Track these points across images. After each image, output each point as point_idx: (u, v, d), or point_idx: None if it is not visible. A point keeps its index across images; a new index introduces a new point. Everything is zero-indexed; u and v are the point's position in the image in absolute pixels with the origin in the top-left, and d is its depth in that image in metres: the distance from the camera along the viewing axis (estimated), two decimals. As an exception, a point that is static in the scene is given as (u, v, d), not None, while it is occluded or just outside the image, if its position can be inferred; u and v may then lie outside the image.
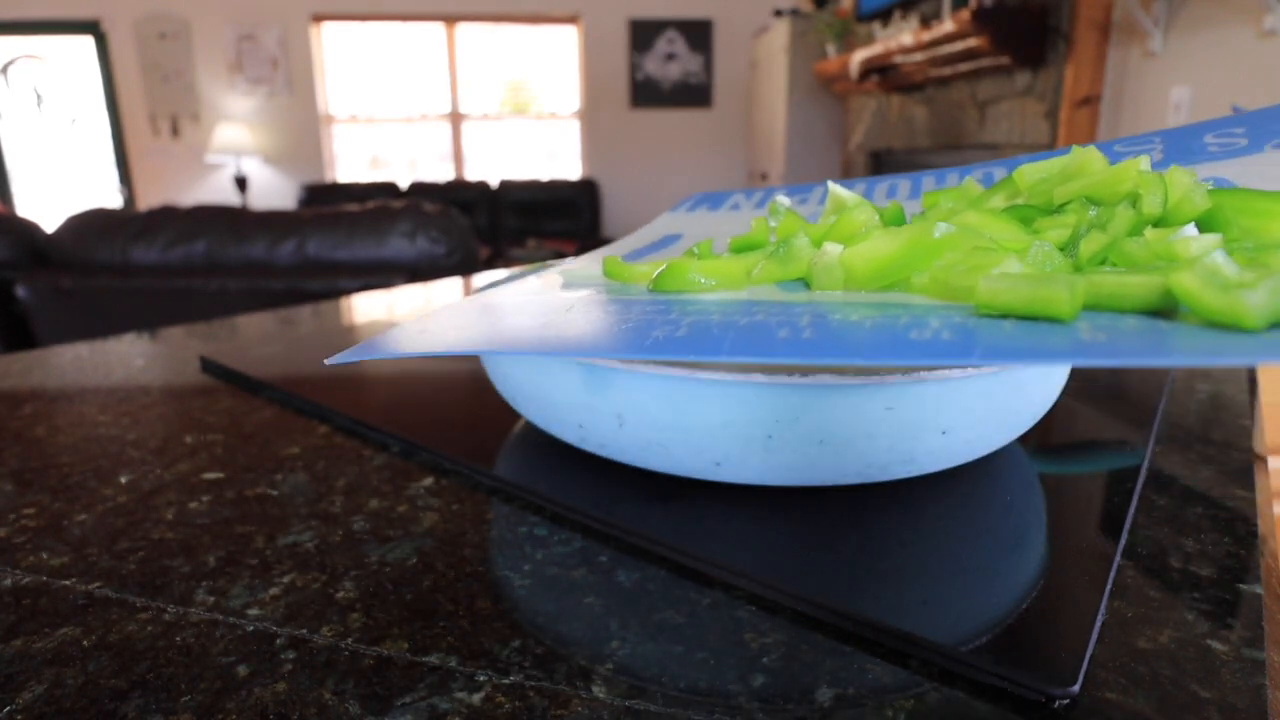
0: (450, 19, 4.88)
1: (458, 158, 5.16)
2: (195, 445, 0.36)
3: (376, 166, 5.14)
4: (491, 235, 4.79)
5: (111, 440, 0.37)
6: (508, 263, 3.71)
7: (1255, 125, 0.33)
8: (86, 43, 4.66)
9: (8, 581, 0.25)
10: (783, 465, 0.27)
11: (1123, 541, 0.25)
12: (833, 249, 0.26)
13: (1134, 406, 0.37)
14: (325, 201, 4.52)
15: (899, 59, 3.06)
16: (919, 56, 2.92)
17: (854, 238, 0.26)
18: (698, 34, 4.96)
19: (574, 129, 5.18)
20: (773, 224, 0.35)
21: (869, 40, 3.57)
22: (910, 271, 0.24)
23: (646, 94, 5.04)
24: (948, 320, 0.20)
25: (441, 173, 5.17)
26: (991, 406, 0.27)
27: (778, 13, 4.13)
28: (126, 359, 0.53)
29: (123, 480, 0.32)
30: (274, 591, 0.24)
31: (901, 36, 2.93)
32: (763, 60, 4.45)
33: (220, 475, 0.33)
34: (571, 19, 4.95)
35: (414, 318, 0.26)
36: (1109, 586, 0.22)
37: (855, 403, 0.25)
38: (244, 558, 0.26)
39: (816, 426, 0.26)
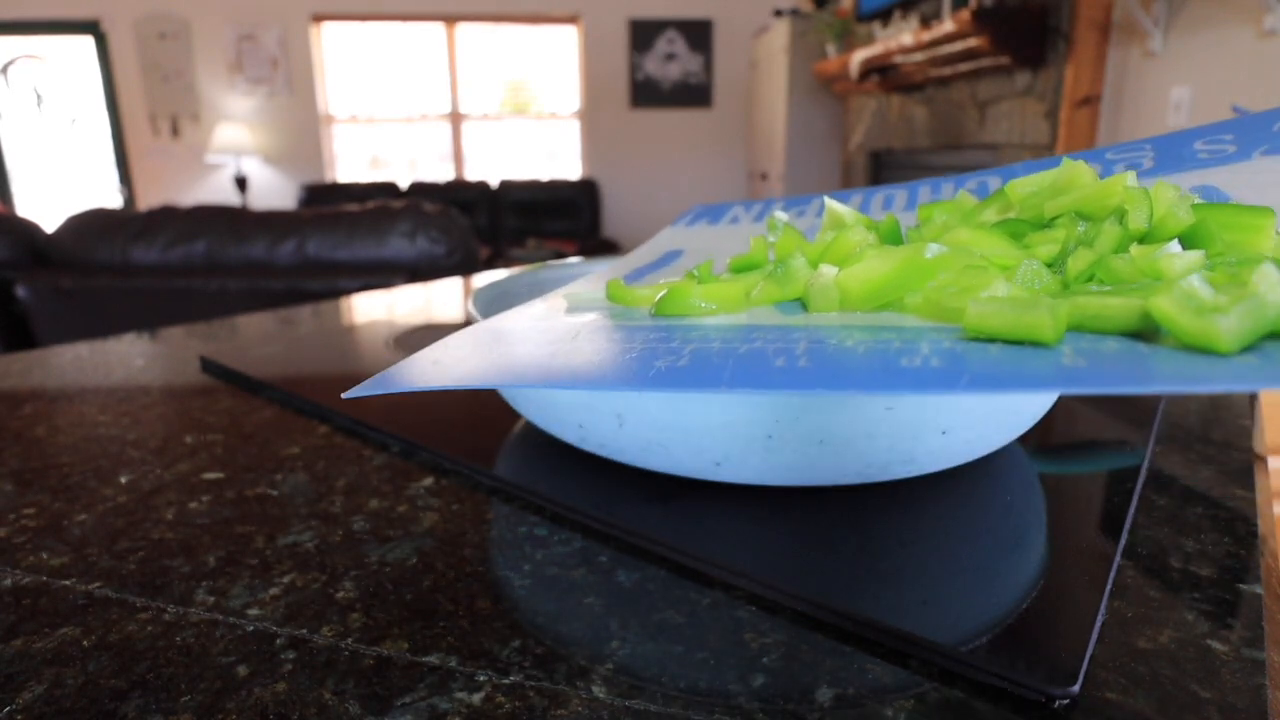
0: (450, 19, 4.89)
1: (458, 158, 5.16)
2: (195, 445, 0.36)
3: (376, 166, 5.14)
4: (491, 235, 4.79)
5: (111, 440, 0.37)
6: (508, 263, 3.71)
7: (1244, 132, 0.33)
8: (86, 43, 4.66)
9: (8, 581, 0.25)
10: (783, 465, 0.27)
11: (1123, 541, 0.25)
12: (828, 271, 0.26)
13: (1134, 406, 0.37)
14: (325, 201, 4.52)
15: (899, 59, 3.07)
16: (919, 56, 2.92)
17: (849, 258, 0.27)
18: (698, 34, 4.96)
19: (574, 129, 5.18)
20: (771, 240, 0.35)
21: (869, 40, 3.57)
22: (903, 292, 0.25)
23: (646, 94, 5.04)
24: (937, 346, 0.21)
25: (441, 173, 5.17)
26: (991, 406, 0.27)
27: (778, 13, 4.13)
28: (126, 359, 0.53)
29: (123, 480, 0.32)
30: (274, 591, 0.24)
31: (901, 36, 2.93)
32: (763, 60, 4.45)
33: (220, 475, 0.33)
34: (571, 19, 4.95)
35: (426, 349, 0.27)
36: (1109, 586, 0.22)
37: (855, 403, 0.25)
38: (244, 558, 0.26)
39: (816, 426, 0.26)
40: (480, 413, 0.38)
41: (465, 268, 1.78)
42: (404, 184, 4.72)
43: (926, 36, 2.73)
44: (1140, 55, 2.24)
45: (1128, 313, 0.20)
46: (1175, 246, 0.23)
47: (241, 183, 4.79)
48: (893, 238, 0.30)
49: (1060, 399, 0.38)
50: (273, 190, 4.97)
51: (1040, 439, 0.33)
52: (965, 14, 2.46)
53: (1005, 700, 0.19)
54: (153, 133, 4.78)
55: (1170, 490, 0.30)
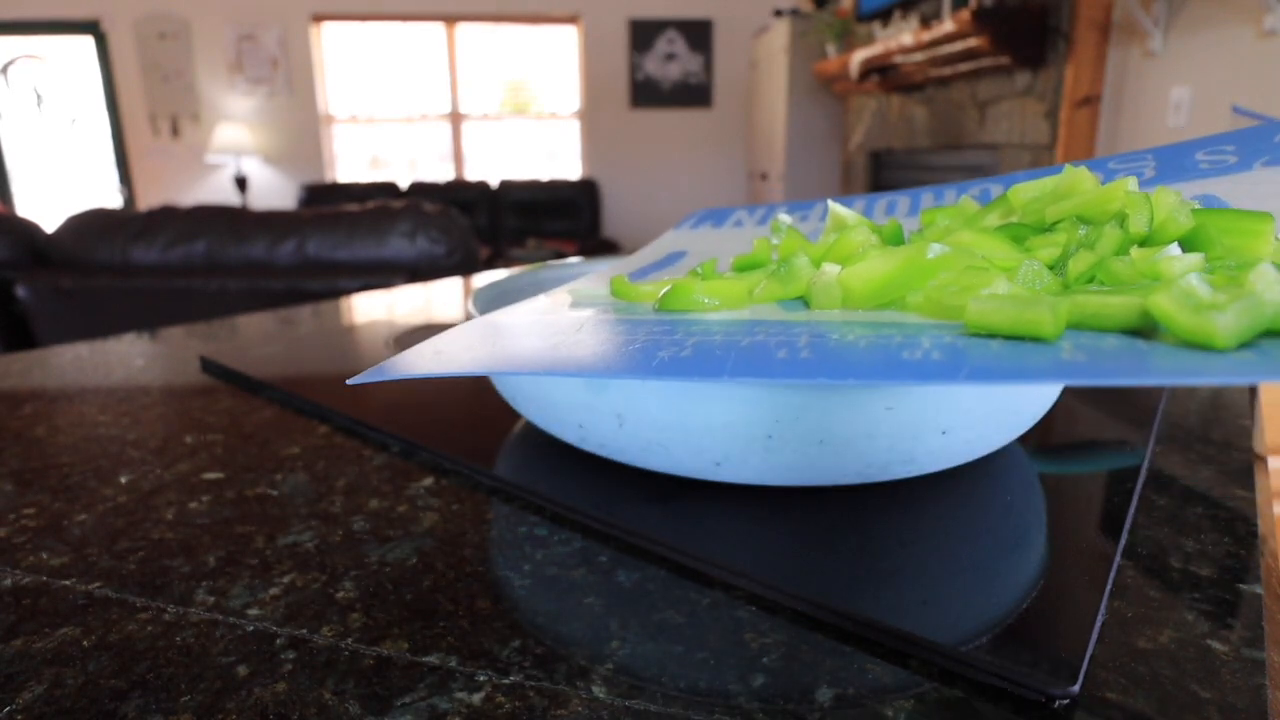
0: (450, 19, 4.89)
1: (458, 158, 5.16)
2: (195, 445, 0.36)
3: (376, 166, 5.14)
4: (491, 235, 4.79)
5: (111, 440, 0.37)
6: (508, 263, 3.71)
7: (1245, 143, 0.33)
8: (86, 43, 4.66)
9: (8, 581, 0.25)
10: (783, 465, 0.27)
11: (1123, 541, 0.25)
12: (831, 269, 0.27)
13: (1134, 406, 0.37)
14: (325, 201, 4.52)
15: (899, 59, 3.07)
16: (919, 56, 2.92)
17: (851, 257, 0.27)
18: (698, 34, 4.96)
19: (574, 129, 5.18)
20: (775, 242, 0.35)
21: (869, 40, 3.57)
22: (905, 291, 0.25)
23: (646, 94, 5.04)
24: (938, 340, 0.21)
25: (441, 173, 5.17)
26: (991, 406, 0.27)
27: (778, 13, 4.13)
28: (126, 359, 0.53)
29: (123, 480, 0.32)
30: (274, 591, 0.24)
31: (901, 36, 2.93)
32: (763, 60, 4.45)
33: (220, 475, 0.33)
34: (571, 19, 4.95)
35: (428, 339, 0.27)
36: (1109, 586, 0.22)
37: (855, 403, 0.25)
38: (244, 558, 0.26)
39: (816, 426, 0.26)
40: (480, 413, 0.38)
41: (465, 268, 1.78)
42: (404, 184, 4.71)
43: (926, 36, 2.73)
44: (1140, 55, 2.24)
45: (1127, 310, 0.20)
46: (1175, 249, 0.23)
47: (241, 183, 4.79)
48: (896, 241, 0.30)
49: (1060, 399, 0.38)
50: (273, 190, 4.97)
51: (1040, 439, 0.33)
52: (965, 14, 2.46)
53: (1005, 700, 0.19)
54: (153, 133, 4.78)
55: (1170, 490, 0.30)
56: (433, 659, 0.21)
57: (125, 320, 1.69)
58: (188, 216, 1.75)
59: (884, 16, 3.39)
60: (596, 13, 4.89)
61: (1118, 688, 0.19)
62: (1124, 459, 0.31)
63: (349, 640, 0.21)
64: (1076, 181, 0.28)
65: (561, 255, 4.00)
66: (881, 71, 3.34)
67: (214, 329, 0.63)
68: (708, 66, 5.02)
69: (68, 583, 0.25)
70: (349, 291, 1.64)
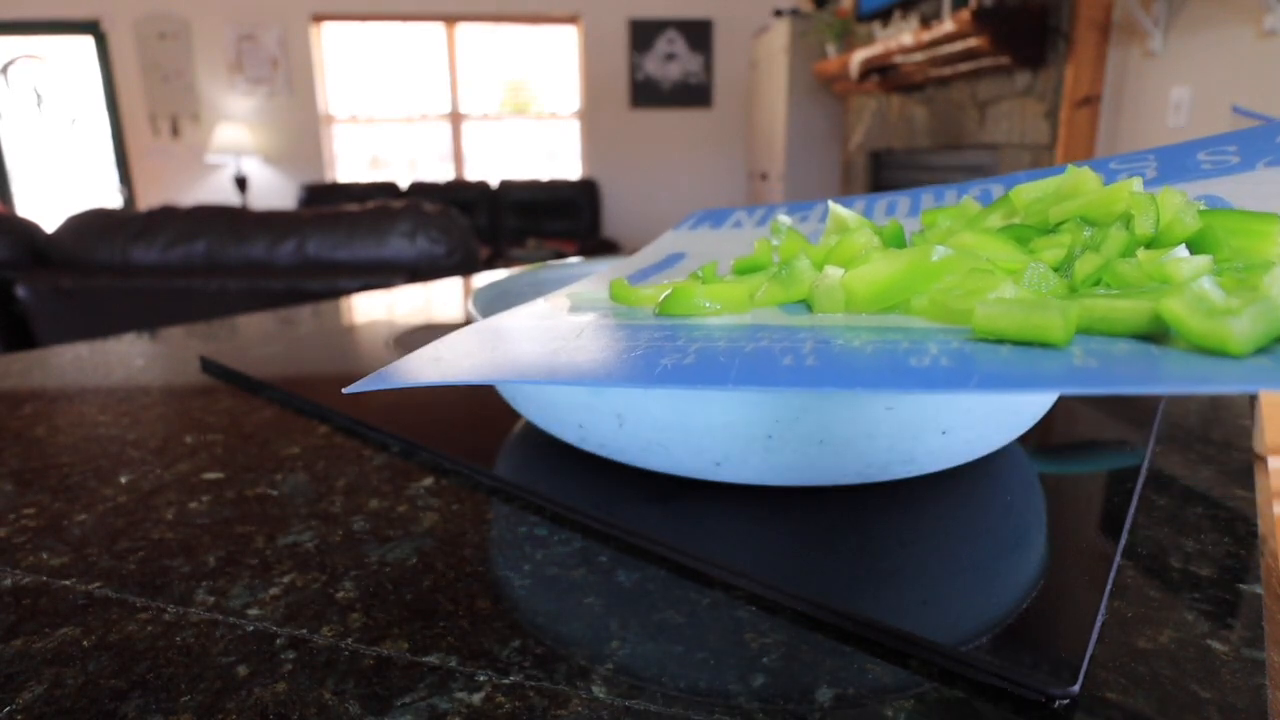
0: (450, 19, 4.89)
1: (458, 158, 5.16)
2: (195, 445, 0.36)
3: (376, 166, 5.14)
4: (491, 235, 4.79)
5: (111, 440, 0.37)
6: (508, 263, 3.71)
7: (1247, 143, 0.33)
8: (86, 43, 4.66)
9: (8, 581, 0.25)
10: (783, 465, 0.27)
11: (1123, 541, 0.25)
12: (834, 272, 0.26)
13: (1134, 406, 0.37)
14: (325, 201, 4.52)
15: (899, 59, 3.07)
16: (919, 56, 2.92)
17: (854, 260, 0.27)
18: (698, 34, 4.96)
19: (574, 129, 5.18)
20: (775, 243, 0.35)
21: (869, 40, 3.57)
22: (910, 294, 0.25)
23: (646, 94, 5.04)
24: (945, 346, 0.21)
25: (441, 173, 5.17)
26: (991, 406, 0.27)
27: (778, 13, 4.13)
28: (126, 359, 0.53)
29: (123, 480, 0.32)
30: (274, 591, 0.24)
31: (901, 36, 2.93)
32: (763, 60, 4.45)
33: (220, 475, 0.33)
34: (571, 19, 4.95)
35: (427, 345, 0.27)
36: (1109, 586, 0.22)
37: (855, 403, 0.25)
38: (244, 558, 0.26)
39: (816, 426, 0.26)
40: (480, 413, 0.38)
41: (465, 268, 1.78)
42: (404, 184, 4.71)
43: (926, 36, 2.73)
44: (1140, 55, 2.24)
45: (1137, 315, 0.20)
46: (1182, 251, 0.23)
47: (241, 183, 4.79)
48: (897, 242, 0.30)
49: (1060, 399, 0.38)
50: (273, 190, 4.97)
51: (1040, 439, 0.33)
52: (965, 14, 2.46)
53: (1005, 700, 0.19)
54: (153, 133, 4.78)
55: (1170, 490, 0.30)
56: (433, 659, 0.21)
57: (125, 320, 1.69)
58: (188, 216, 1.75)
59: (884, 16, 3.39)
60: (596, 13, 4.89)
61: (1118, 688, 0.19)
62: (1124, 459, 0.31)
63: (349, 640, 0.21)
64: (1080, 182, 0.28)
65: (561, 255, 4.00)
66: (881, 71, 3.34)
67: (214, 329, 0.63)
68: (708, 66, 5.02)
69: (68, 583, 0.25)
70: (349, 291, 1.64)
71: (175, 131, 4.79)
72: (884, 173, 3.80)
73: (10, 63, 4.68)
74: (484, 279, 0.83)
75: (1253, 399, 0.41)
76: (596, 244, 4.57)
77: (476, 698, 0.19)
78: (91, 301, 1.68)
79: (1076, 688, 0.18)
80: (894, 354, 0.20)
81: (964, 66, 2.80)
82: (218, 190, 4.92)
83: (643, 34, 4.94)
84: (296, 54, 4.77)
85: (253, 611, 0.23)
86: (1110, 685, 0.19)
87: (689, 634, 0.22)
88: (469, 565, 0.25)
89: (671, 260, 0.42)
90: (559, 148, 5.22)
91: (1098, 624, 0.21)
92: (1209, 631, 0.21)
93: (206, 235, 1.72)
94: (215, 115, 4.79)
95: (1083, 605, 0.21)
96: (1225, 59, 1.95)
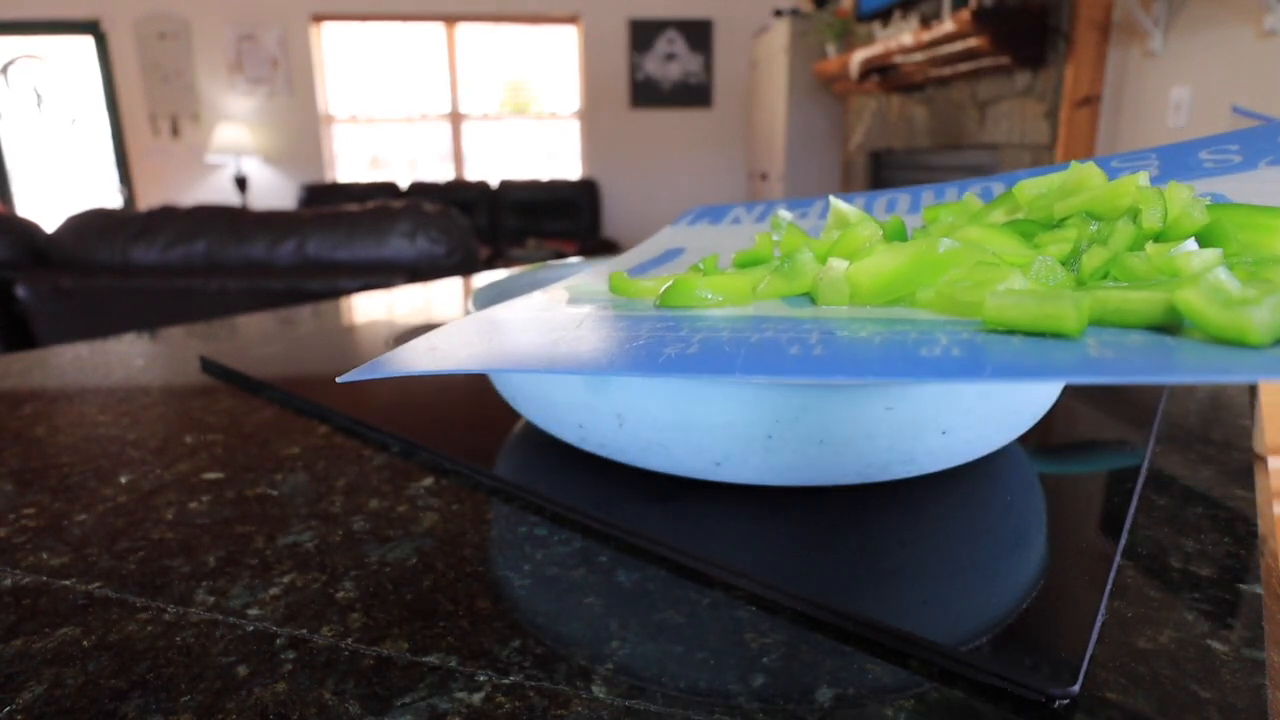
0: (450, 19, 4.88)
1: (458, 158, 5.16)
2: (195, 445, 0.36)
3: (376, 166, 5.14)
4: (491, 235, 4.78)
5: (111, 440, 0.37)
6: (508, 263, 3.71)
7: (1249, 142, 0.33)
8: (86, 43, 4.66)
9: (8, 581, 0.25)
10: (783, 465, 0.27)
11: (1123, 541, 0.25)
12: (838, 264, 0.26)
13: (1134, 406, 0.37)
14: (325, 201, 4.52)
15: (899, 59, 3.06)
16: (919, 56, 2.92)
17: (858, 253, 0.27)
18: (698, 34, 4.96)
19: (574, 129, 5.18)
20: (775, 238, 0.35)
21: (869, 40, 3.57)
22: (916, 287, 0.24)
23: (646, 94, 5.04)
24: (955, 337, 0.20)
25: (441, 173, 5.17)
26: (991, 406, 0.27)
27: (778, 13, 4.13)
28: (126, 359, 0.53)
29: (123, 480, 0.32)
30: (274, 591, 0.24)
31: (901, 36, 2.93)
32: (763, 60, 4.45)
33: (220, 475, 0.33)
34: (571, 19, 4.95)
35: (422, 335, 0.26)
36: (1109, 586, 0.22)
37: (855, 403, 0.25)
38: (244, 558, 0.26)
39: (816, 426, 0.26)
40: (480, 413, 0.38)
41: (465, 268, 1.78)
42: (404, 184, 4.71)
43: (926, 36, 2.73)
44: (1140, 55, 2.24)
45: (1151, 306, 0.19)
46: (1192, 244, 0.23)
47: (241, 183, 4.79)
48: (899, 238, 0.30)
49: (1060, 399, 0.38)
50: (273, 190, 4.97)
51: (1040, 439, 0.33)
52: (965, 14, 2.46)
53: (1005, 700, 0.19)
54: (153, 133, 4.78)
55: (1170, 490, 0.30)
56: (433, 659, 0.21)
57: (125, 320, 1.69)
58: (188, 216, 1.75)
59: (884, 16, 3.39)
60: (596, 13, 4.89)
61: (1118, 688, 0.19)
62: (1124, 459, 0.31)
63: (349, 640, 0.21)
64: (1085, 177, 0.28)
65: (561, 255, 4.00)
66: (881, 71, 3.34)
67: (214, 329, 0.63)
68: (708, 66, 5.02)
69: (68, 583, 0.25)
70: (349, 291, 1.64)
71: (175, 131, 4.78)
72: (884, 173, 3.80)
73: (10, 63, 4.68)
74: (484, 279, 0.83)
75: (1252, 399, 0.41)
76: (596, 244, 4.57)
77: (476, 698, 0.19)
78: (91, 301, 1.68)
79: (1076, 688, 0.18)
80: (903, 344, 0.20)
81: (964, 66, 2.80)
82: (218, 190, 4.92)
83: (643, 34, 4.94)
84: (296, 54, 4.77)
85: (253, 611, 0.23)
86: (1110, 685, 0.19)
87: (689, 634, 0.22)
88: (469, 565, 0.25)
89: (670, 255, 0.42)
90: (559, 148, 5.22)
91: (1098, 624, 0.21)
92: (1209, 631, 0.21)
93: (206, 235, 1.72)
94: (215, 115, 4.79)
95: (1083, 605, 0.21)
96: (1225, 59, 1.95)
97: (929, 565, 0.23)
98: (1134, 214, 0.25)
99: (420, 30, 4.91)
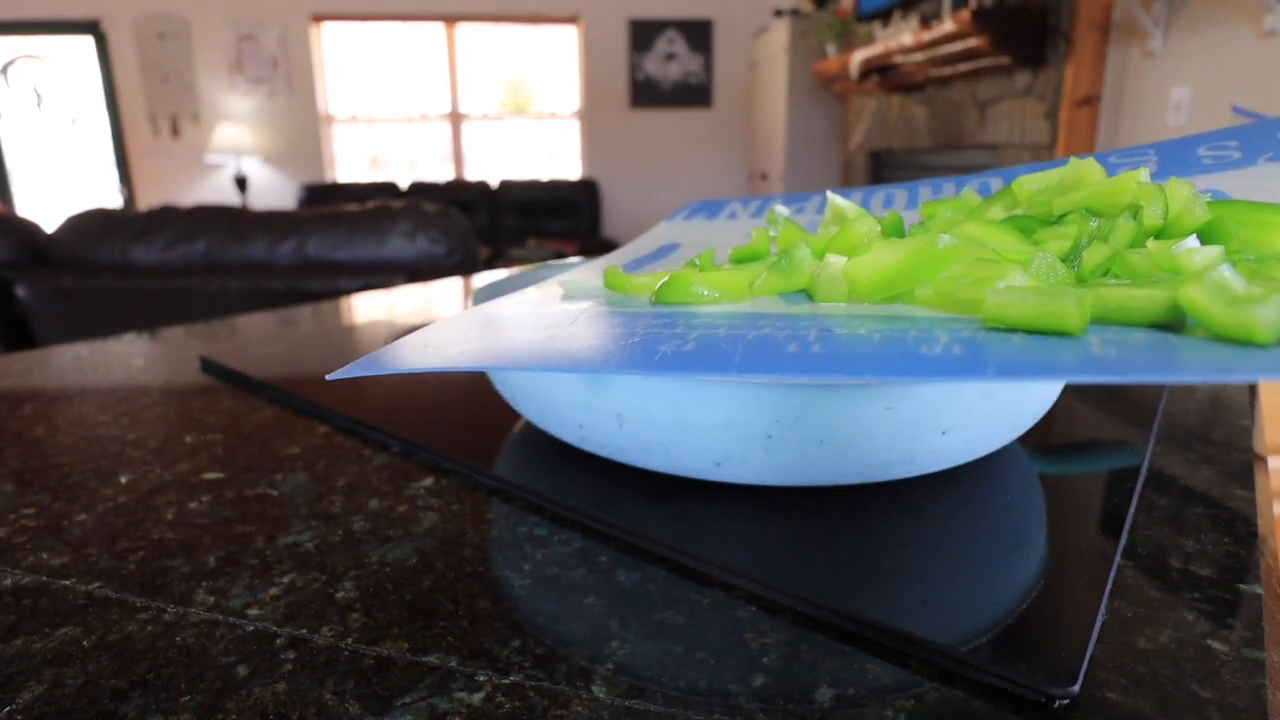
0: (450, 19, 4.89)
1: (458, 158, 5.16)
2: (195, 445, 0.36)
3: (376, 166, 5.14)
4: (491, 235, 4.79)
5: (111, 440, 0.37)
6: (508, 263, 3.71)
7: (1249, 138, 0.33)
8: (86, 43, 4.66)
9: (8, 581, 0.25)
10: (783, 465, 0.27)
11: (1123, 541, 0.25)
12: (836, 261, 0.26)
13: (1134, 406, 0.37)
14: (325, 201, 4.52)
15: (899, 59, 3.06)
16: (919, 56, 2.92)
17: (856, 249, 0.26)
18: (698, 34, 4.96)
19: (574, 129, 5.18)
20: (772, 234, 0.35)
21: (869, 40, 3.57)
22: (914, 283, 0.24)
23: (646, 94, 5.04)
24: (956, 335, 0.20)
25: (441, 173, 5.17)
26: (991, 406, 0.27)
27: (778, 13, 4.13)
28: (126, 359, 0.53)
29: (123, 480, 0.32)
30: (274, 591, 0.24)
31: (901, 36, 2.93)
32: (763, 60, 4.45)
33: (220, 475, 0.33)
34: (571, 19, 4.95)
35: (415, 331, 0.26)
36: (1109, 586, 0.22)
37: (855, 403, 0.25)
38: (244, 558, 0.26)
39: (816, 426, 0.26)
40: (480, 413, 0.38)
41: (465, 268, 1.78)
42: (404, 184, 4.71)
43: (926, 36, 2.73)
44: (1140, 55, 2.24)
45: (1154, 304, 0.19)
46: (1193, 241, 0.22)
47: (241, 183, 4.79)
48: (896, 234, 0.30)
49: (1060, 399, 0.38)
50: (273, 190, 4.97)
51: (1040, 439, 0.33)
52: (965, 14, 2.46)
53: (1005, 700, 0.19)
54: (153, 133, 4.78)
55: (1170, 490, 0.30)
56: (433, 659, 0.21)
57: (125, 320, 1.69)
58: (188, 216, 1.75)
59: (884, 16, 3.39)
60: (596, 13, 4.89)
61: (1118, 688, 0.19)
62: (1124, 459, 0.31)
63: (349, 640, 0.21)
64: (1084, 173, 0.28)
65: (561, 255, 4.00)
66: (881, 71, 3.34)
67: (214, 329, 0.63)
68: (708, 66, 5.02)
69: (68, 583, 0.25)
70: (349, 291, 1.64)
71: (175, 131, 4.79)
72: (884, 173, 3.80)
73: (10, 63, 4.68)
74: (484, 279, 0.83)
75: (1252, 399, 0.41)
76: (596, 244, 4.57)
77: (476, 698, 0.19)
78: (91, 301, 1.68)
79: (1076, 688, 0.18)
80: (903, 342, 0.20)
81: (964, 66, 2.80)
82: (218, 190, 4.92)
83: (643, 34, 4.94)
84: (296, 54, 4.77)
85: (253, 611, 0.23)
86: (1110, 685, 0.19)
87: (689, 634, 0.22)
88: (469, 565, 0.25)
89: (666, 251, 0.42)
90: (559, 148, 5.22)
91: (1098, 624, 0.21)
92: (1209, 631, 0.21)
93: (206, 235, 1.72)
94: (215, 115, 4.79)
95: (1083, 605, 0.21)
96: (1225, 59, 1.95)
97: (929, 565, 0.23)
98: (1135, 210, 0.25)
99: (420, 30, 4.91)
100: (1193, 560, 0.25)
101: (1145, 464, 0.31)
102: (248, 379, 0.45)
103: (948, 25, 2.57)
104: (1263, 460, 0.33)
